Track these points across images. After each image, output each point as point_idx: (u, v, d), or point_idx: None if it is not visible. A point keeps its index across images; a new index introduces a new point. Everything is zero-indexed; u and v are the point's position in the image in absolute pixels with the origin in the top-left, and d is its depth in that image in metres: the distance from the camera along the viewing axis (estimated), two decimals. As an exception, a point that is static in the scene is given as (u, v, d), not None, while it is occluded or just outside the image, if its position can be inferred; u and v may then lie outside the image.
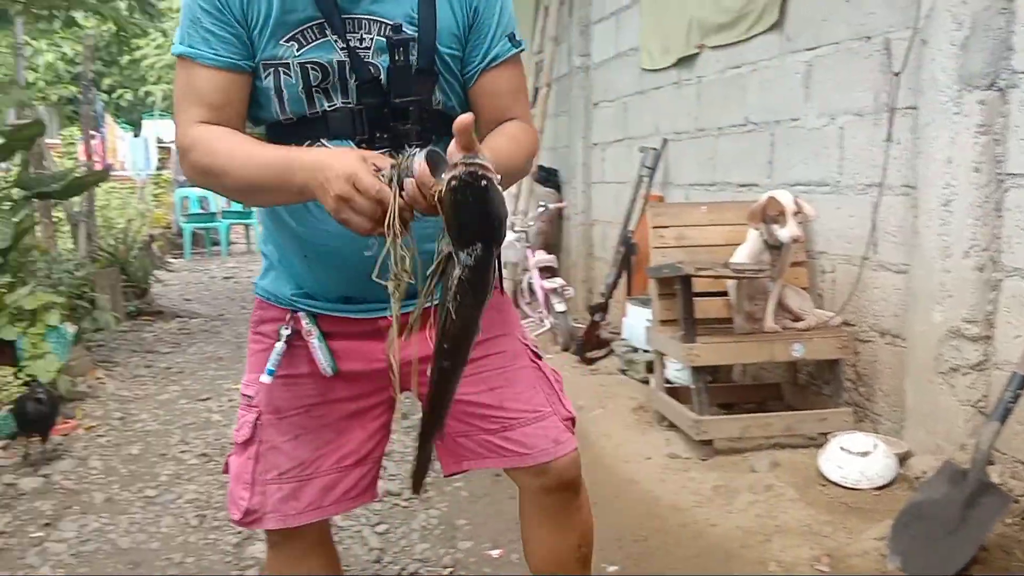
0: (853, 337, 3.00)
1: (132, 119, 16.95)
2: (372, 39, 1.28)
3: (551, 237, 6.17)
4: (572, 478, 1.49)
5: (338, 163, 1.09)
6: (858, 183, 2.99)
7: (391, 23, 1.27)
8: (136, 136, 12.64)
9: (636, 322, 3.90)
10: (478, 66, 1.35)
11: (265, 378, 1.41)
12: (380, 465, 1.54)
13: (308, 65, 1.29)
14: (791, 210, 2.86)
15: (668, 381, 3.34)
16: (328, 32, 1.27)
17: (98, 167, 7.79)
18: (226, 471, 1.52)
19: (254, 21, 1.28)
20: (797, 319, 3.06)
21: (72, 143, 14.17)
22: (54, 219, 6.61)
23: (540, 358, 1.54)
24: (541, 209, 5.50)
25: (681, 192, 4.27)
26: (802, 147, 3.28)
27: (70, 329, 4.37)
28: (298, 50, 1.28)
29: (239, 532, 2.71)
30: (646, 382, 3.77)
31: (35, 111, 5.68)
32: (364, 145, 1.28)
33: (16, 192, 4.85)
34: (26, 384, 3.83)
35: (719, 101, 3.87)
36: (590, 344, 4.47)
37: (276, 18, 1.27)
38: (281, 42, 1.28)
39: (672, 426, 3.19)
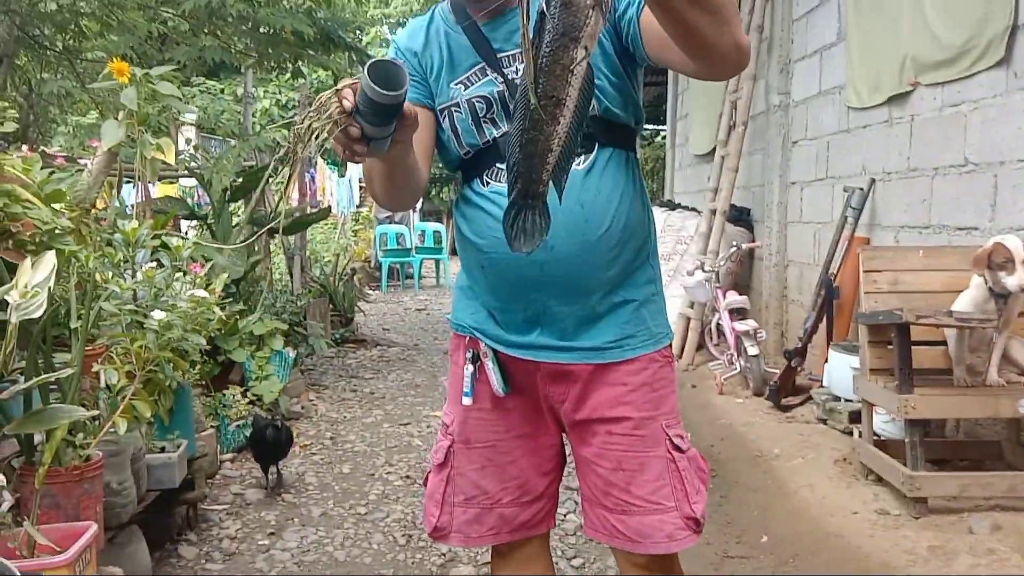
0: (1090, 395, 2.75)
1: (337, 160, 18.23)
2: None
3: (742, 278, 6.06)
4: (669, 565, 1.55)
5: None
6: (1099, 229, 2.76)
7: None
8: (342, 176, 13.58)
9: (840, 369, 3.76)
10: (636, 15, 1.36)
11: (466, 400, 1.57)
12: (557, 498, 1.68)
13: (474, 100, 1.48)
14: (1020, 257, 2.69)
15: (875, 433, 3.19)
16: (489, 72, 1.47)
17: (310, 206, 8.45)
18: (425, 485, 1.69)
19: (428, 69, 1.53)
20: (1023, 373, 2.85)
21: (281, 182, 15.49)
22: (270, 252, 7.25)
23: (681, 450, 1.52)
24: (733, 249, 5.42)
25: (889, 234, 4.09)
26: (1031, 190, 3.07)
27: (291, 353, 4.77)
28: (465, 90, 1.49)
29: (443, 553, 2.86)
30: (850, 433, 3.62)
31: (263, 155, 6.27)
32: None
33: (247, 228, 5.38)
34: (252, 403, 4.22)
35: (935, 140, 3.70)
36: (786, 390, 4.34)
37: (446, 68, 1.51)
38: (451, 86, 1.50)
39: (880, 480, 3.04)
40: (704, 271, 5.25)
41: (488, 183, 1.50)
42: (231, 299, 4.67)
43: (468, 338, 1.60)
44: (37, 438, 2.27)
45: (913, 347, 2.85)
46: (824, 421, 3.92)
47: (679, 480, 1.50)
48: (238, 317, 4.49)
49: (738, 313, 4.97)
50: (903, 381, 2.74)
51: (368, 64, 1.16)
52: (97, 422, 2.41)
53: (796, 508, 2.98)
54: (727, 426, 4.17)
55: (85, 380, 2.52)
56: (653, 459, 1.50)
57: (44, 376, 2.09)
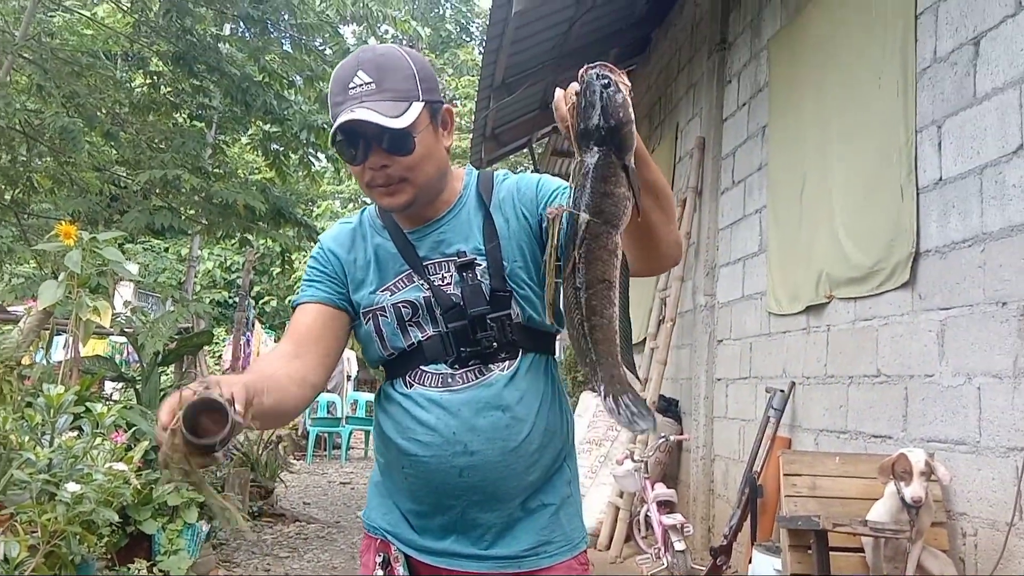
0: (1003, 610, 2.81)
1: (275, 324, 18.20)
2: (451, 275, 1.51)
3: (670, 469, 6.10)
4: None
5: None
6: (999, 445, 2.92)
7: (464, 255, 1.51)
8: (276, 341, 13.51)
9: (763, 570, 3.75)
10: None
11: None
12: None
13: (400, 305, 1.53)
14: (919, 469, 2.81)
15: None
16: (415, 278, 1.53)
17: (241, 370, 8.34)
18: None
19: (351, 273, 1.58)
20: (939, 584, 2.90)
21: (218, 342, 15.30)
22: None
23: None
24: (661, 440, 5.50)
25: (810, 437, 4.23)
26: (938, 403, 3.25)
27: (204, 527, 4.57)
28: (391, 296, 1.54)
29: None
30: (773, 637, 3.57)
31: (203, 320, 6.27)
32: (456, 364, 1.49)
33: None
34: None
35: (849, 350, 3.92)
36: (711, 588, 4.29)
37: (373, 274, 1.56)
38: (377, 293, 1.55)
39: None
40: (633, 460, 5.29)
41: (412, 385, 1.51)
42: (149, 467, 4.51)
43: (379, 540, 1.57)
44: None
45: (832, 553, 2.90)
46: (748, 624, 3.86)
47: None
48: (153, 486, 4.32)
49: (666, 506, 4.97)
50: (822, 588, 2.76)
51: (187, 405, 1.05)
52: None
53: None
54: (651, 626, 4.07)
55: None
56: None
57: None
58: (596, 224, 1.07)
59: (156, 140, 7.14)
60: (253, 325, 10.71)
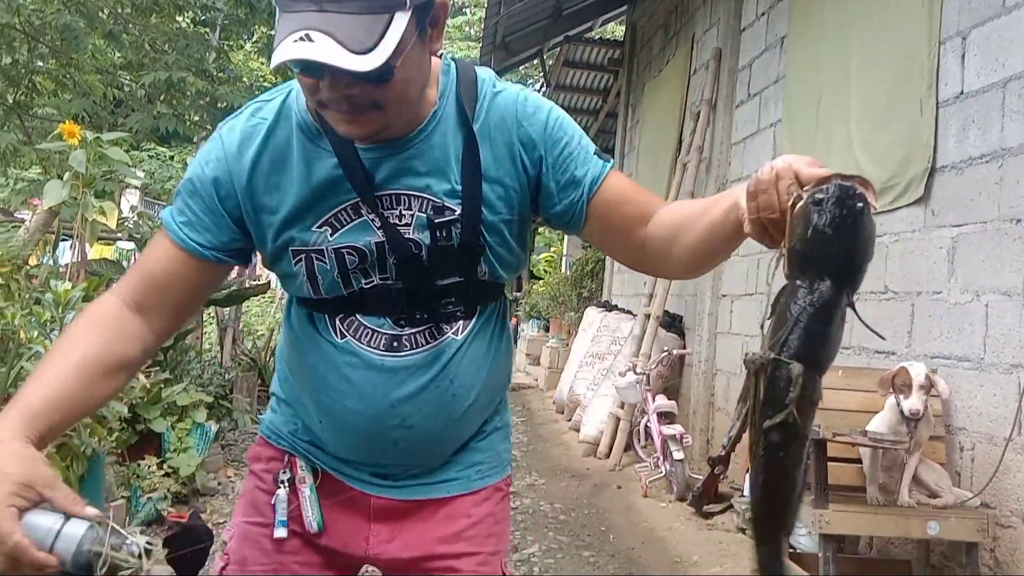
0: (993, 520, 2.86)
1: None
2: (412, 215, 1.18)
3: (671, 383, 6.17)
4: None
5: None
6: (1003, 362, 2.93)
7: (433, 199, 1.18)
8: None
9: (759, 480, 3.83)
10: (583, 198, 1.20)
11: (281, 531, 1.29)
12: None
13: (344, 250, 1.19)
14: (919, 383, 2.83)
15: (792, 546, 3.24)
16: (364, 212, 1.17)
17: (248, 280, 8.38)
18: None
19: (268, 205, 1.18)
20: (933, 496, 2.95)
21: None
22: (203, 322, 7.14)
23: None
24: (664, 354, 5.54)
25: (812, 352, 4.25)
26: (944, 320, 3.25)
27: (213, 427, 4.66)
28: (332, 235, 1.18)
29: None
30: (767, 544, 3.66)
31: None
32: (403, 323, 1.22)
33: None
34: (167, 475, 4.08)
35: (857, 266, 3.89)
36: (708, 497, 4.39)
37: (304, 204, 1.18)
38: (313, 228, 1.18)
39: (794, 594, 3.07)
40: (636, 373, 5.35)
41: (345, 336, 1.24)
42: (157, 367, 4.57)
43: (286, 455, 1.33)
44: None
45: (829, 463, 2.94)
46: (743, 530, 3.96)
47: None
48: (162, 386, 4.39)
49: (666, 417, 5.05)
50: (819, 496, 2.81)
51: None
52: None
53: (711, 619, 2.99)
54: (649, 530, 4.18)
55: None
56: None
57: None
58: (809, 375, 0.84)
59: (159, 42, 7.00)
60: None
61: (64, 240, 4.81)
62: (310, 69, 1.02)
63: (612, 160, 1.24)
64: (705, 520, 4.29)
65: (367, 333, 1.23)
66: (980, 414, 3.02)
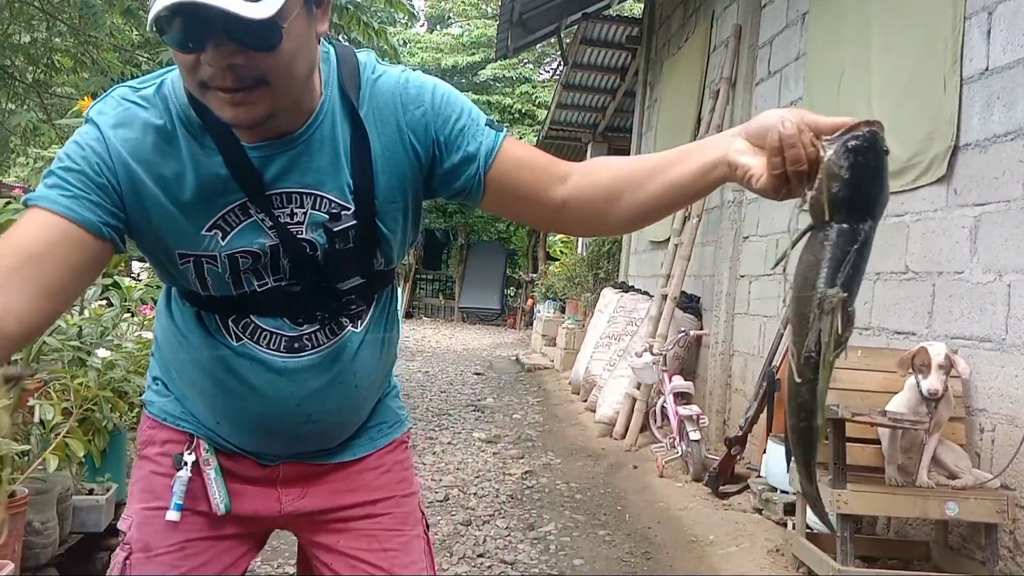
0: (1013, 502, 2.84)
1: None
2: (306, 213, 1.13)
3: (688, 364, 6.16)
4: None
5: None
6: (1026, 343, 2.90)
7: (327, 196, 1.13)
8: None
9: (777, 460, 3.82)
10: (479, 172, 1.16)
11: (173, 515, 1.23)
12: None
13: (237, 254, 1.13)
14: (938, 362, 2.81)
15: (808, 526, 3.24)
16: (253, 212, 1.12)
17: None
18: None
19: (149, 202, 1.09)
20: (952, 477, 2.94)
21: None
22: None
23: (428, 528, 1.42)
24: (681, 334, 5.53)
25: (831, 333, 4.22)
26: (965, 301, 3.21)
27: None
28: (223, 238, 1.12)
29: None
30: (784, 524, 3.66)
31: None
32: (302, 322, 1.18)
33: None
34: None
35: (878, 246, 3.80)
36: (724, 477, 4.39)
37: (190, 204, 1.10)
38: (203, 232, 1.11)
39: (811, 573, 3.07)
40: (652, 354, 5.34)
41: (241, 339, 1.18)
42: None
43: (189, 437, 1.28)
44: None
45: (848, 443, 2.93)
46: (760, 511, 3.96)
47: (430, 561, 1.38)
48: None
49: (682, 397, 5.05)
50: (836, 476, 2.80)
51: None
52: (27, 458, 2.35)
53: (726, 597, 2.99)
54: (664, 509, 4.18)
55: (19, 414, 2.47)
56: (414, 539, 1.36)
57: (-23, 406, 2.05)
58: (850, 311, 0.92)
59: (177, 21, 6.98)
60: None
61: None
62: (193, 26, 0.94)
63: (505, 128, 1.20)
64: (721, 500, 4.29)
65: (265, 335, 1.18)
66: (1001, 395, 2.99)
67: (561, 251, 13.06)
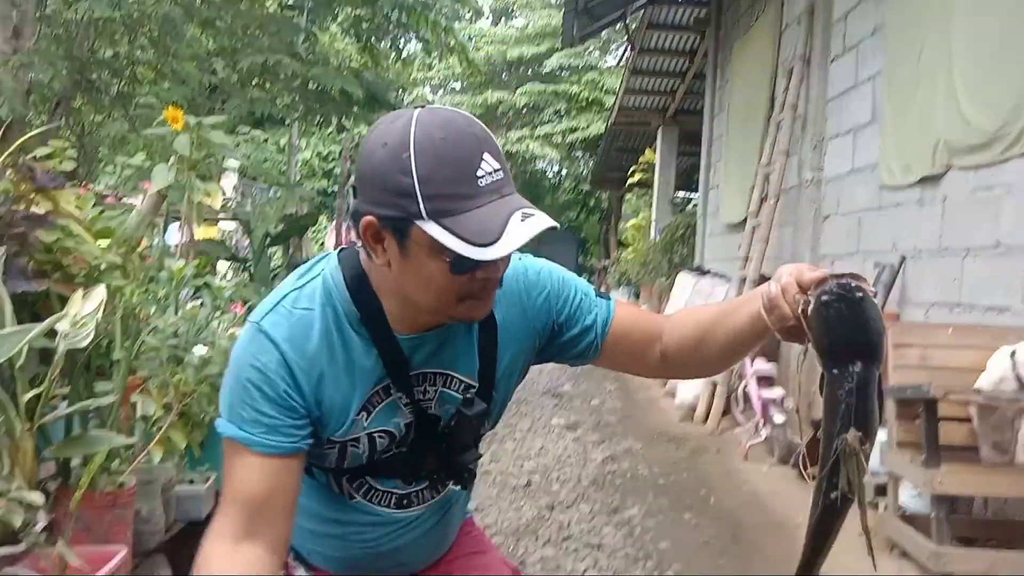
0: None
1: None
2: (437, 391, 1.23)
3: (770, 346, 6.05)
4: None
5: None
6: None
7: (457, 376, 1.23)
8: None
9: (865, 442, 3.74)
10: (597, 341, 1.29)
11: None
12: None
13: (376, 434, 1.21)
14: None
15: (901, 507, 3.16)
16: (393, 392, 1.20)
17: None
18: None
19: (321, 401, 1.16)
20: (1052, 455, 2.83)
21: (319, 229, 15.79)
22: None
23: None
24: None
25: (919, 311, 4.10)
26: (1063, 272, 3.09)
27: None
28: (367, 419, 1.19)
29: None
30: (875, 506, 3.58)
31: (307, 204, 6.44)
32: (413, 483, 1.27)
33: (286, 271, 5.50)
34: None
35: (967, 221, 3.73)
36: (812, 460, 4.30)
37: (347, 395, 1.17)
38: (353, 417, 1.19)
39: (904, 555, 3.01)
40: (732, 338, 5.26)
41: (354, 497, 1.27)
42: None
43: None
44: (74, 462, 2.33)
45: (941, 423, 2.85)
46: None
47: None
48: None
49: (766, 380, 4.97)
50: (930, 456, 2.73)
51: None
52: (132, 450, 2.47)
53: (817, 580, 2.94)
54: (751, 493, 4.14)
55: (122, 411, 2.60)
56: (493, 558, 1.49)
57: (86, 402, 2.17)
58: (866, 448, 0.99)
59: (251, 28, 7.20)
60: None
61: (171, 223, 5.03)
62: (491, 260, 1.04)
63: (612, 297, 1.33)
64: (809, 483, 4.21)
65: (377, 495, 1.27)
66: (1104, 370, 2.86)
67: (633, 236, 12.95)
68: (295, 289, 1.19)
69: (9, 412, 2.02)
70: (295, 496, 1.17)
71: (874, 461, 3.60)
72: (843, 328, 0.96)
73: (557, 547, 3.50)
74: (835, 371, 0.98)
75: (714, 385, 5.72)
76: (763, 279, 5.89)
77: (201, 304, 2.90)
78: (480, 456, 1.35)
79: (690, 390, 6.06)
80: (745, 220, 6.25)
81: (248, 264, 5.17)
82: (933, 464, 2.72)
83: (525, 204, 1.06)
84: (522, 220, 1.02)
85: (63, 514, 2.19)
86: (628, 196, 17.15)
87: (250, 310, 3.77)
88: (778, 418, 4.62)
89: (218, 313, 3.03)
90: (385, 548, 1.30)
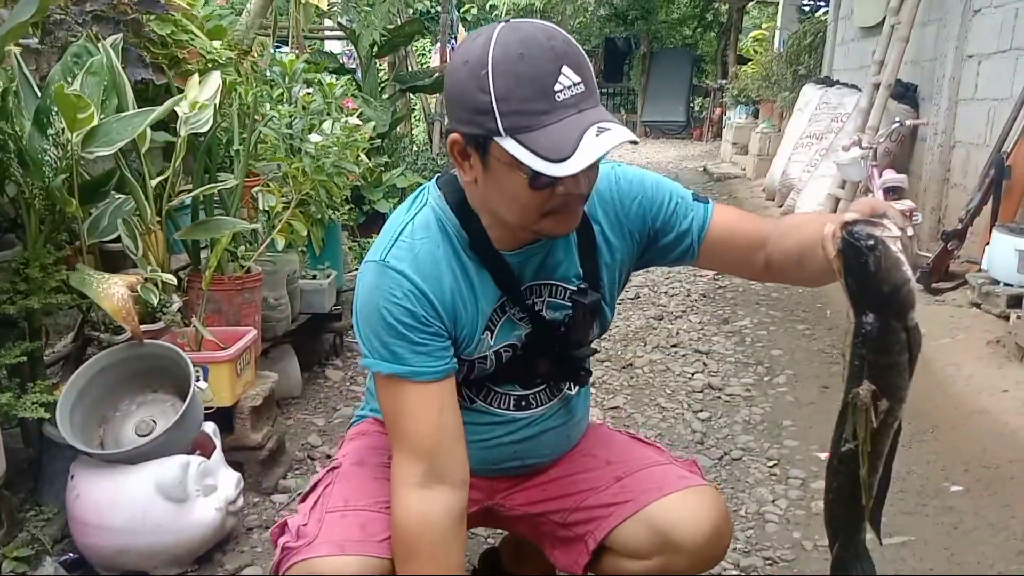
0: None
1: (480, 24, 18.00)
2: (544, 300, 1.29)
3: (900, 160, 5.68)
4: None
5: None
6: None
7: (564, 285, 1.28)
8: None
9: (1002, 251, 3.51)
10: (694, 246, 1.31)
11: None
12: None
13: (502, 350, 1.28)
14: None
15: (1037, 316, 3.00)
16: (509, 307, 1.26)
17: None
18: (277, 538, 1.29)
19: (453, 323, 1.22)
20: None
21: (423, 53, 15.53)
22: (412, 111, 7.35)
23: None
24: (895, 125, 5.06)
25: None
26: None
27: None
28: (492, 338, 1.26)
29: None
30: (1006, 317, 3.41)
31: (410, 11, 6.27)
32: (529, 385, 1.33)
33: (392, 85, 5.45)
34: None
35: None
36: (938, 274, 4.11)
37: (470, 317, 1.23)
38: (480, 336, 1.25)
39: (1037, 363, 2.88)
40: (861, 147, 4.95)
41: (475, 401, 1.33)
42: (376, 151, 4.79)
43: None
44: (203, 251, 2.44)
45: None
46: (978, 305, 3.70)
47: (660, 452, 1.47)
48: (383, 169, 4.61)
49: (893, 192, 4.70)
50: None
51: None
52: (257, 240, 2.57)
53: (939, 384, 2.87)
54: (870, 306, 4.01)
55: (244, 208, 2.68)
56: (615, 436, 1.52)
57: (210, 186, 2.23)
58: (884, 403, 0.95)
59: None
60: (457, 30, 10.64)
61: (277, 47, 5.01)
62: (568, 175, 1.05)
63: (711, 201, 1.33)
64: (934, 296, 4.05)
65: (497, 397, 1.33)
66: None
67: (754, 50, 12.15)
68: (408, 222, 1.22)
69: (138, 195, 2.10)
70: (460, 419, 1.22)
71: (1008, 268, 3.41)
72: (855, 279, 0.93)
73: (666, 352, 3.53)
74: (856, 321, 0.95)
75: (837, 201, 5.45)
76: (899, 84, 5.46)
77: (313, 101, 2.90)
78: (595, 352, 1.39)
79: (810, 207, 5.81)
80: (882, 21, 5.72)
81: (354, 74, 5.12)
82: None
83: (604, 117, 1.06)
84: (598, 135, 1.03)
85: (196, 296, 2.32)
86: (749, 7, 15.99)
87: (360, 116, 3.76)
88: (906, 231, 4.39)
89: (330, 107, 3.02)
90: (505, 446, 1.35)
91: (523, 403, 1.33)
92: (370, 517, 1.25)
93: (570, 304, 1.29)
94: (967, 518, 2.04)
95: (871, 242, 0.91)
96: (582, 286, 1.28)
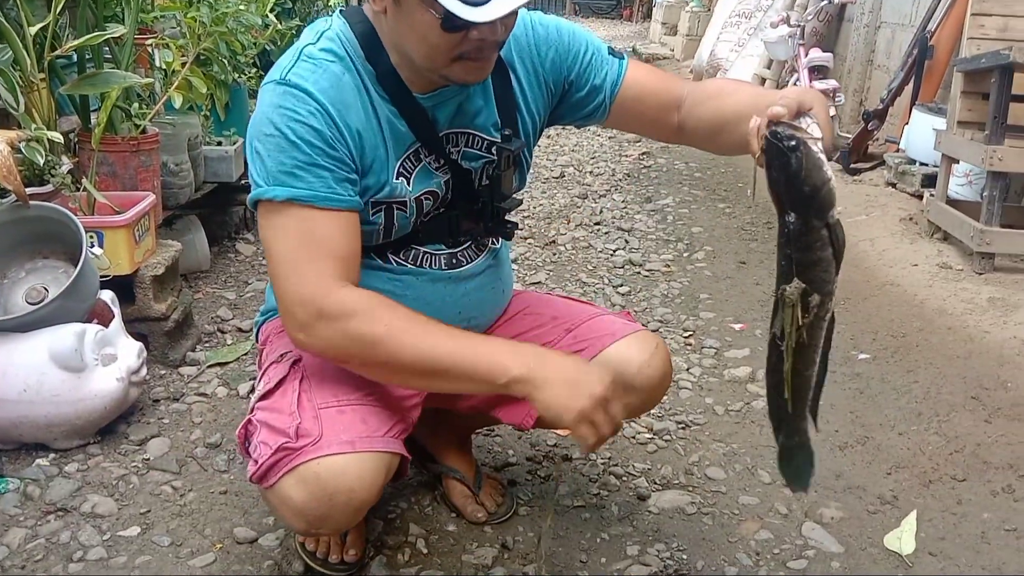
0: None
1: None
2: (459, 151, 1.23)
3: (827, 41, 5.66)
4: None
5: (594, 387, 1.06)
6: None
7: (480, 135, 1.23)
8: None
9: (920, 131, 3.55)
10: (606, 101, 1.27)
11: None
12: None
13: (423, 196, 1.21)
14: None
15: (949, 197, 3.05)
16: (424, 155, 1.20)
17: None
18: (244, 440, 1.22)
19: (363, 158, 1.13)
20: None
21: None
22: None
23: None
24: (823, 3, 5.00)
25: None
26: None
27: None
28: (408, 184, 1.19)
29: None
30: (919, 196, 3.48)
31: None
32: (454, 244, 1.28)
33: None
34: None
35: None
36: (857, 154, 4.16)
37: (387, 151, 1.16)
38: (393, 180, 1.17)
39: (946, 238, 2.95)
40: (789, 25, 4.89)
41: (403, 264, 1.26)
42: (287, 14, 4.50)
43: None
44: (93, 108, 2.25)
45: (1012, 102, 2.64)
46: (894, 185, 3.77)
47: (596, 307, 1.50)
48: (294, 33, 4.33)
49: (819, 72, 4.67)
50: (994, 131, 2.56)
51: None
52: (154, 100, 2.38)
53: (852, 258, 2.92)
54: (789, 185, 4.04)
55: (141, 71, 2.47)
56: (556, 297, 1.52)
57: (95, 34, 2.03)
58: (815, 298, 0.96)
59: None
60: None
61: None
62: (486, 21, 0.99)
63: (626, 56, 1.29)
64: (852, 176, 4.10)
65: (427, 257, 1.27)
66: None
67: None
68: (312, 43, 1.13)
69: (15, 45, 1.90)
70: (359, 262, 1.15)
71: (925, 148, 3.45)
72: (777, 179, 0.93)
73: (588, 230, 3.50)
74: (780, 221, 0.96)
75: (763, 81, 5.43)
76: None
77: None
78: (519, 203, 1.35)
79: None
80: None
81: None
82: (996, 140, 2.55)
83: None
84: None
85: (87, 158, 2.15)
86: None
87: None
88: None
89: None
90: (448, 305, 1.30)
91: (454, 261, 1.30)
92: (368, 411, 1.17)
93: (489, 155, 1.24)
94: (873, 383, 2.10)
95: (793, 142, 0.92)
96: (506, 132, 1.23)
